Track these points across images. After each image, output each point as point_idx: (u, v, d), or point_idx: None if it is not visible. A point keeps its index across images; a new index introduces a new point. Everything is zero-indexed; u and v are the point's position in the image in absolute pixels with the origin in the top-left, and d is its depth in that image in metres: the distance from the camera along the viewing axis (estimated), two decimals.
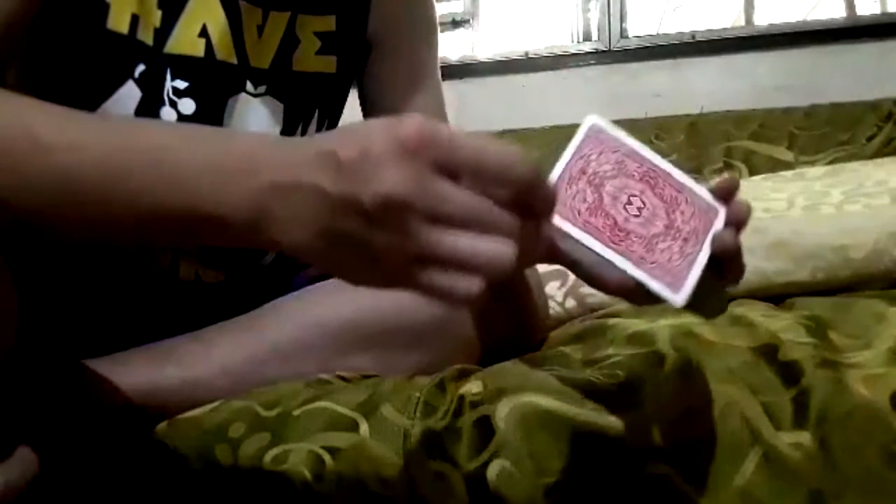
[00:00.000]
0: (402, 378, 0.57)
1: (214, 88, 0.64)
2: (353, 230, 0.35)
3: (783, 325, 0.57)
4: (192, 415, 0.56)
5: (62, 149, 0.40)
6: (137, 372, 0.58)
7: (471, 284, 0.34)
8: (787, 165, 1.41)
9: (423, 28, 0.78)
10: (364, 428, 0.51)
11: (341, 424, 0.52)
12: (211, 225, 0.38)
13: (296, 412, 0.54)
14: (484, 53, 2.04)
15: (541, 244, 0.36)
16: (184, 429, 0.55)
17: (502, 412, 0.49)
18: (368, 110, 0.79)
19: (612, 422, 0.48)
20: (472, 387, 0.53)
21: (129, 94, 0.60)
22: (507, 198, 0.35)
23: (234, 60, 0.64)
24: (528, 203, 0.36)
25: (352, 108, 0.79)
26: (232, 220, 0.37)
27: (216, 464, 0.52)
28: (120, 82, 0.60)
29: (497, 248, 0.34)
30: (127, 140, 0.41)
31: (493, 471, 0.48)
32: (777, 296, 0.77)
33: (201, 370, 0.59)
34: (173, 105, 0.62)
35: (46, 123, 0.42)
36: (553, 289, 0.87)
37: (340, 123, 0.79)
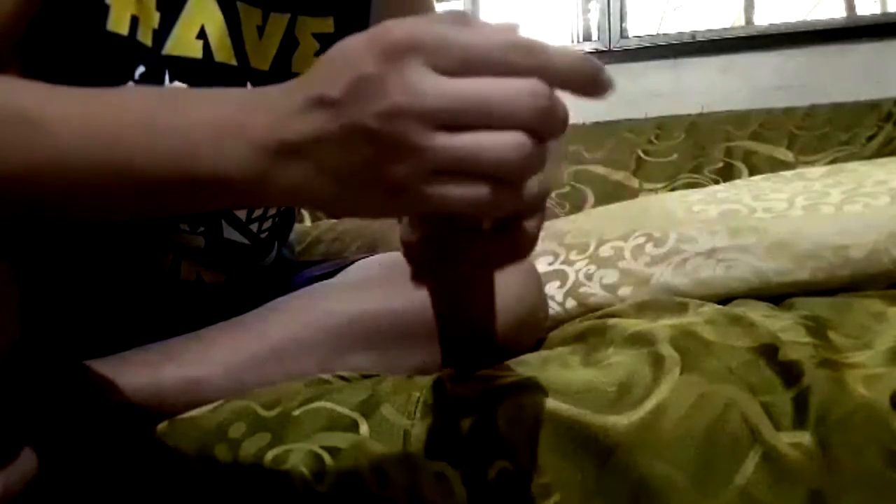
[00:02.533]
0: (402, 378, 0.57)
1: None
2: (364, 160, 0.33)
3: (783, 325, 0.57)
4: (192, 414, 0.56)
5: (51, 122, 0.39)
6: (138, 371, 0.58)
7: (479, 193, 0.32)
8: (787, 165, 1.41)
9: None
10: (364, 428, 0.51)
11: (341, 424, 0.52)
12: (213, 187, 0.36)
13: (296, 412, 0.54)
14: None
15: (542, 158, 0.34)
16: (184, 428, 0.55)
17: (502, 412, 0.49)
18: None
19: (612, 422, 0.48)
20: (472, 387, 0.53)
21: None
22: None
23: (234, 62, 0.64)
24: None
25: None
26: (234, 179, 0.36)
27: (216, 464, 0.52)
28: (120, 83, 0.60)
29: (505, 143, 0.31)
30: (116, 105, 0.40)
31: (493, 471, 0.48)
32: (777, 296, 0.77)
33: (202, 370, 0.59)
34: None
35: (33, 98, 0.41)
36: (553, 289, 0.87)
37: None
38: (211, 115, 0.37)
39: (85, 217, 0.44)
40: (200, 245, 0.67)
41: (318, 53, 0.70)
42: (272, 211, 0.71)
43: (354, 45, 0.33)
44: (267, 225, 0.71)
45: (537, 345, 0.69)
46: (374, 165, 0.33)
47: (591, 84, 0.35)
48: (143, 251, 0.66)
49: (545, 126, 0.32)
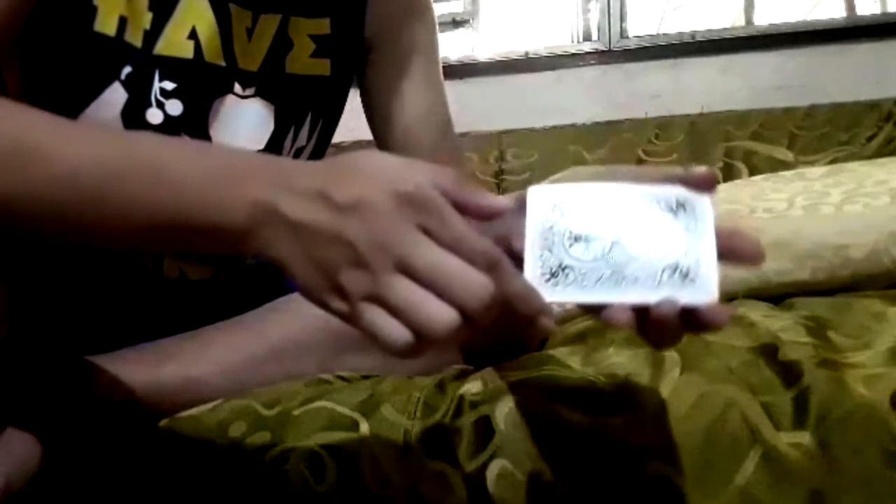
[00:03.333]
0: (402, 378, 0.57)
1: (202, 90, 0.64)
2: (330, 260, 0.37)
3: (783, 325, 0.57)
4: (193, 413, 0.56)
5: (63, 158, 0.41)
6: (138, 370, 0.58)
7: (401, 335, 0.36)
8: (787, 165, 1.41)
9: (423, 27, 0.78)
10: (364, 428, 0.51)
11: (341, 424, 0.52)
12: (204, 232, 0.40)
13: (296, 412, 0.54)
14: (484, 53, 2.04)
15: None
16: (184, 427, 0.55)
17: (502, 412, 0.49)
18: (370, 111, 0.79)
19: (612, 422, 0.48)
20: (472, 387, 0.53)
21: (116, 95, 0.61)
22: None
23: (222, 63, 0.64)
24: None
25: (352, 107, 0.79)
26: (225, 228, 0.39)
27: (216, 463, 0.52)
28: (106, 83, 0.60)
29: (441, 313, 0.36)
30: (126, 150, 0.42)
31: (492, 471, 0.48)
32: (777, 296, 0.77)
33: (202, 369, 0.59)
34: (160, 106, 0.62)
35: (48, 133, 0.43)
36: None
37: (342, 123, 0.79)
38: (216, 171, 0.40)
39: (75, 243, 0.46)
40: None
41: (314, 55, 0.70)
42: None
43: (374, 168, 0.39)
44: None
45: (538, 345, 0.69)
46: (335, 267, 0.37)
47: (526, 319, 0.39)
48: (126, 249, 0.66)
49: (479, 314, 0.36)
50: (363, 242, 0.36)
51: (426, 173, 0.38)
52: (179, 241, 0.43)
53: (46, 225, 0.43)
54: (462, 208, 0.39)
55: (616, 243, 0.40)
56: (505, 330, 0.40)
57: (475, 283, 0.36)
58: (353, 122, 0.83)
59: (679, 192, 0.41)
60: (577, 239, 0.41)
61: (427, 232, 0.37)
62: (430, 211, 0.37)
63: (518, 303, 0.39)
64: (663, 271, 0.39)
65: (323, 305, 0.39)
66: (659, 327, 0.39)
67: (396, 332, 0.36)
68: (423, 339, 0.36)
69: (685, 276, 0.39)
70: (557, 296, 0.40)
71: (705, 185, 0.42)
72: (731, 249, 0.40)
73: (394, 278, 0.36)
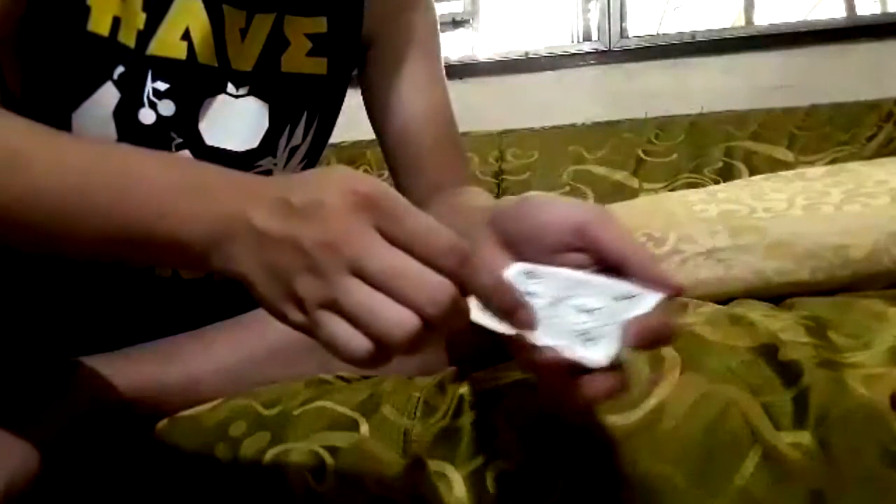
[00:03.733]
0: (402, 378, 0.57)
1: (194, 90, 0.64)
2: (286, 267, 0.36)
3: (783, 325, 0.57)
4: (193, 413, 0.56)
5: (41, 165, 0.42)
6: (139, 370, 0.58)
7: (360, 344, 0.35)
8: (787, 165, 1.41)
9: (422, 25, 0.78)
10: (364, 428, 0.51)
11: (341, 424, 0.52)
12: (170, 247, 0.40)
13: (296, 411, 0.54)
14: (484, 53, 2.04)
15: (461, 321, 0.37)
16: (184, 427, 0.55)
17: (502, 412, 0.49)
18: (370, 107, 0.78)
19: (612, 422, 0.48)
20: (472, 387, 0.53)
21: (108, 95, 0.61)
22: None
23: (215, 63, 0.64)
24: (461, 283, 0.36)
25: (351, 106, 0.79)
26: (190, 243, 0.39)
27: (216, 462, 0.52)
28: (98, 83, 0.60)
29: (400, 318, 0.35)
30: (103, 160, 0.43)
31: (492, 471, 0.48)
32: (777, 296, 0.77)
33: (202, 369, 0.59)
34: (153, 106, 0.62)
35: (28, 139, 0.44)
36: None
37: (340, 122, 0.79)
38: (181, 178, 0.40)
39: (41, 251, 0.47)
40: None
41: (310, 53, 0.70)
42: None
43: (332, 177, 0.38)
44: None
45: None
46: (291, 275, 0.36)
47: (505, 313, 0.39)
48: None
49: (439, 319, 0.35)
50: (316, 246, 0.36)
51: (372, 179, 0.38)
52: (144, 255, 0.43)
53: (16, 232, 0.44)
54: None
55: (554, 302, 0.42)
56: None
57: (432, 286, 0.35)
58: (352, 121, 0.83)
59: (634, 289, 0.42)
60: (528, 293, 0.42)
61: (384, 234, 0.36)
62: (386, 211, 0.36)
63: (491, 298, 0.38)
64: (575, 331, 0.40)
65: (282, 317, 0.38)
66: (544, 373, 0.41)
67: (354, 340, 0.35)
68: (384, 348, 0.35)
69: (589, 338, 0.40)
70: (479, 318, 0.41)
71: (666, 291, 0.41)
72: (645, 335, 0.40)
73: (349, 282, 0.35)
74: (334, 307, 0.35)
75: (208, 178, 0.41)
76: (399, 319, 0.35)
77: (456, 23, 2.11)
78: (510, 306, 0.39)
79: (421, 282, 0.35)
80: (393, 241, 0.36)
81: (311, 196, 0.36)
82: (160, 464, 0.54)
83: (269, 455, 0.51)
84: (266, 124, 0.68)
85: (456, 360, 0.61)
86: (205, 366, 0.59)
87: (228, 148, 0.66)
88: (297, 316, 0.37)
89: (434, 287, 0.35)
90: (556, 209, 0.46)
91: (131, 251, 0.42)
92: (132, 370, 0.58)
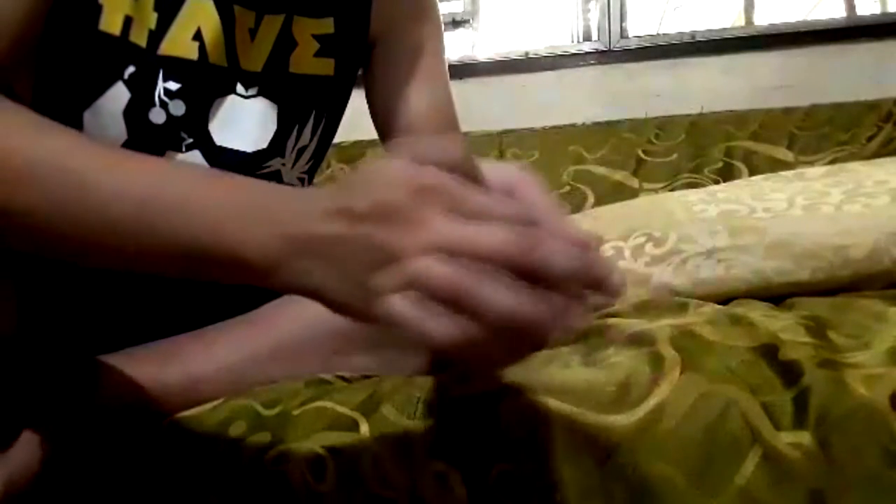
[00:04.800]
0: (403, 378, 0.57)
1: (205, 91, 0.64)
2: (363, 265, 0.37)
3: (783, 325, 0.57)
4: (193, 413, 0.56)
5: (105, 189, 0.42)
6: (142, 369, 0.58)
7: (447, 326, 0.34)
8: (787, 165, 1.41)
9: (427, 26, 0.78)
10: (364, 428, 0.51)
11: (341, 424, 0.52)
12: (230, 265, 0.40)
13: (296, 411, 0.54)
14: (484, 53, 2.04)
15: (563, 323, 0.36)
16: (184, 426, 0.55)
17: (502, 412, 0.49)
18: (374, 109, 0.79)
19: (612, 422, 0.48)
20: (472, 387, 0.53)
21: (119, 94, 0.61)
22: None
23: (225, 63, 0.64)
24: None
25: (354, 108, 0.79)
26: (250, 262, 0.39)
27: (216, 462, 0.52)
28: (109, 83, 0.60)
29: (496, 287, 0.34)
30: (167, 182, 0.43)
31: (493, 471, 0.48)
32: (777, 296, 0.77)
33: (203, 368, 0.59)
34: (164, 106, 0.62)
35: (92, 161, 0.44)
36: None
37: (341, 123, 0.79)
38: (243, 199, 0.41)
39: (103, 266, 0.47)
40: None
41: (317, 54, 0.70)
42: None
43: (391, 174, 0.38)
44: None
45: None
46: (371, 273, 0.36)
47: (594, 280, 0.37)
48: None
49: (546, 265, 0.35)
50: (392, 237, 0.36)
51: (433, 153, 0.38)
52: (205, 274, 0.43)
53: (82, 250, 0.44)
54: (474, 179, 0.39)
55: None
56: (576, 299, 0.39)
57: (522, 235, 0.35)
58: (353, 122, 0.83)
59: None
60: None
61: (451, 212, 0.36)
62: (452, 195, 0.36)
63: (575, 265, 0.36)
64: None
65: (369, 318, 0.38)
66: None
67: (443, 325, 0.34)
68: (481, 318, 0.34)
69: None
70: None
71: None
72: None
73: (430, 261, 0.35)
74: (421, 286, 0.35)
75: (267, 199, 0.41)
76: (499, 287, 0.34)
77: (456, 23, 2.11)
78: (600, 275, 0.37)
79: (509, 234, 0.35)
80: (463, 216, 0.36)
81: (374, 199, 0.37)
82: (160, 464, 0.54)
83: (269, 455, 0.51)
84: (275, 125, 0.68)
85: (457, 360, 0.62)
86: (206, 366, 0.59)
87: (238, 148, 0.67)
88: (372, 308, 0.37)
89: (523, 235, 0.35)
90: (490, 171, 0.45)
91: (192, 271, 0.43)
92: (133, 370, 0.58)
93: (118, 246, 0.42)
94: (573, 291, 0.36)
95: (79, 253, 0.45)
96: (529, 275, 0.35)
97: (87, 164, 0.43)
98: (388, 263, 0.36)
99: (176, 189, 0.42)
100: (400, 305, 0.35)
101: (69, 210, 0.42)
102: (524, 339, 0.36)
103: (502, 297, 0.34)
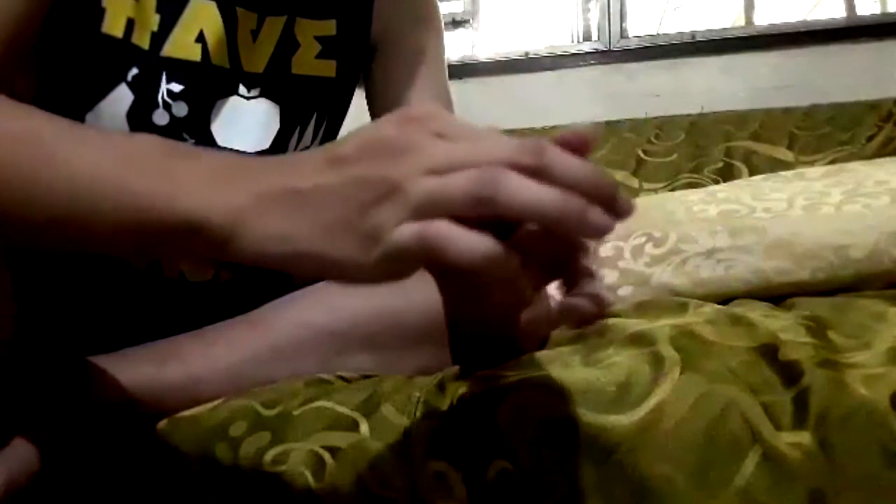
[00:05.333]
0: (403, 378, 0.57)
1: (207, 92, 0.64)
2: (354, 206, 0.33)
3: (783, 325, 0.57)
4: (193, 413, 0.56)
5: (74, 163, 0.40)
6: (140, 369, 0.58)
7: (473, 237, 0.31)
8: (787, 165, 1.41)
9: (428, 29, 0.78)
10: (364, 428, 0.51)
11: (341, 424, 0.52)
12: (185, 231, 0.37)
13: (296, 411, 0.54)
14: (484, 53, 2.04)
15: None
16: (184, 427, 0.55)
17: (502, 412, 0.49)
18: (375, 113, 0.79)
19: (612, 422, 0.48)
20: (472, 387, 0.53)
21: (122, 96, 0.61)
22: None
23: (227, 65, 0.65)
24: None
25: (356, 110, 0.79)
26: (209, 223, 0.36)
27: (216, 462, 0.52)
28: (112, 85, 0.60)
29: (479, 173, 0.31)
30: (126, 141, 0.42)
31: (493, 471, 0.48)
32: (777, 296, 0.77)
33: (203, 368, 0.59)
34: (167, 108, 0.62)
35: (50, 123, 0.43)
36: (553, 288, 0.87)
37: (343, 128, 0.79)
38: (208, 161, 0.38)
39: (60, 248, 0.45)
40: None
41: (319, 55, 0.70)
42: None
43: (381, 120, 0.35)
44: None
45: (540, 344, 0.69)
46: (360, 210, 0.33)
47: (603, 201, 0.34)
48: None
49: (538, 162, 0.32)
50: (384, 170, 0.33)
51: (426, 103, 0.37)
52: (155, 242, 0.40)
53: (46, 231, 0.42)
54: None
55: None
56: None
57: (528, 142, 0.32)
58: (359, 123, 0.83)
59: None
60: None
61: (445, 137, 0.34)
62: (439, 118, 0.34)
63: (583, 185, 0.33)
64: None
65: (368, 268, 0.34)
66: None
67: (466, 235, 0.31)
68: (502, 212, 0.31)
69: None
70: None
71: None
72: None
73: (421, 181, 0.32)
74: (428, 210, 0.32)
75: (237, 160, 0.39)
76: (478, 175, 0.31)
77: (456, 23, 2.11)
78: (609, 191, 0.34)
79: (511, 142, 0.32)
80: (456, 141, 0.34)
81: (360, 139, 0.34)
82: (160, 464, 0.54)
83: (269, 455, 0.51)
84: (277, 125, 0.69)
85: (457, 360, 0.62)
86: (205, 365, 0.59)
87: (240, 149, 0.67)
88: (367, 252, 0.33)
89: (529, 141, 0.32)
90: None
91: (144, 238, 0.40)
92: (132, 370, 0.58)
93: (70, 208, 0.40)
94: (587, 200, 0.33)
95: (36, 230, 0.43)
96: (539, 180, 0.32)
97: (42, 125, 0.42)
98: (387, 197, 0.33)
99: (141, 159, 0.40)
100: (414, 232, 0.32)
101: (39, 185, 0.40)
102: (556, 245, 0.35)
103: (528, 190, 0.31)
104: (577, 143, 0.35)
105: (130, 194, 0.38)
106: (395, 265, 0.34)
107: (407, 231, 0.32)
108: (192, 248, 0.38)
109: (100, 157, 0.41)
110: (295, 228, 0.35)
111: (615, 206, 0.35)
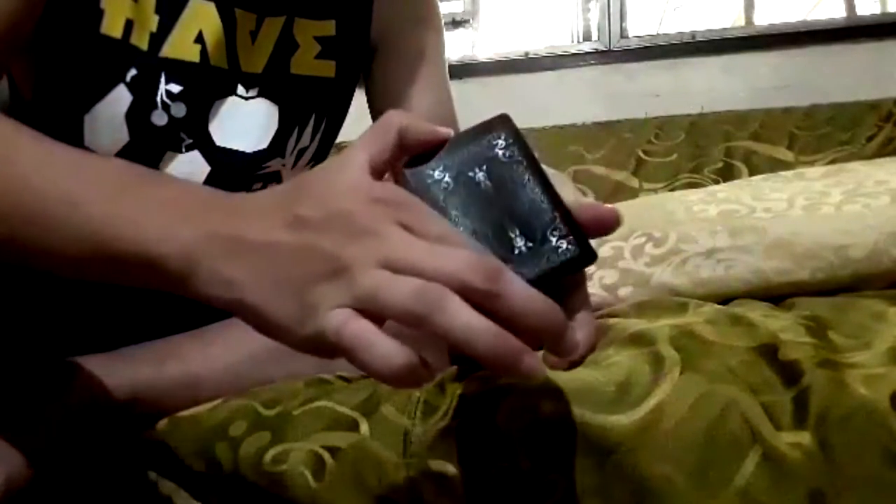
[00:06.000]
0: None
1: (206, 93, 0.64)
2: (305, 273, 0.33)
3: (783, 325, 0.57)
4: (192, 413, 0.56)
5: (29, 159, 0.41)
6: (139, 369, 0.58)
7: (393, 348, 0.31)
8: (787, 165, 1.41)
9: (428, 28, 0.78)
10: (364, 428, 0.51)
11: (341, 424, 0.52)
12: (147, 265, 0.37)
13: (296, 411, 0.54)
14: (484, 53, 2.04)
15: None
16: (184, 427, 0.55)
17: (502, 412, 0.49)
18: (374, 112, 0.79)
19: (612, 422, 0.48)
20: (472, 387, 0.53)
21: (120, 97, 0.61)
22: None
23: (226, 65, 0.65)
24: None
25: (356, 111, 0.79)
26: (167, 262, 0.36)
27: (216, 462, 0.52)
28: (111, 86, 0.60)
29: (442, 294, 0.31)
30: (90, 164, 0.41)
31: (493, 471, 0.48)
32: (777, 296, 0.77)
33: (202, 368, 0.59)
34: (166, 108, 0.62)
35: (17, 135, 0.43)
36: None
37: (345, 124, 0.79)
38: (172, 195, 0.38)
39: (22, 263, 0.45)
40: None
41: (318, 56, 0.70)
42: None
43: (347, 182, 0.35)
44: None
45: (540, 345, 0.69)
46: (306, 279, 0.33)
47: (549, 336, 0.34)
48: None
49: (490, 287, 0.32)
50: (340, 248, 0.33)
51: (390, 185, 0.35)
52: (118, 272, 0.40)
53: (10, 245, 0.42)
54: (425, 143, 0.37)
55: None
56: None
57: (485, 258, 0.32)
58: (358, 123, 0.83)
59: None
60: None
61: (409, 230, 0.33)
62: (410, 210, 0.34)
63: (528, 316, 0.33)
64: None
65: (298, 338, 0.34)
66: None
67: (387, 345, 0.31)
68: (428, 329, 0.31)
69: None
70: None
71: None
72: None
73: (374, 275, 0.32)
74: (366, 305, 0.32)
75: (200, 197, 0.38)
76: (441, 294, 0.30)
77: (456, 23, 2.11)
78: (556, 331, 0.34)
79: (469, 256, 0.32)
80: (418, 236, 0.33)
81: (324, 205, 0.34)
82: (160, 463, 0.54)
83: (269, 455, 0.51)
84: (275, 125, 0.68)
85: (457, 360, 0.62)
86: (204, 365, 0.59)
87: (238, 148, 0.67)
88: (303, 325, 0.33)
89: (486, 258, 0.32)
90: None
91: (113, 273, 0.40)
92: (131, 370, 0.58)
93: (31, 226, 0.40)
94: (529, 337, 0.33)
95: (10, 249, 0.43)
96: (486, 307, 0.32)
97: (9, 136, 0.42)
98: (335, 276, 0.32)
99: (104, 185, 0.40)
100: (340, 323, 0.32)
101: (4, 204, 0.40)
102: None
103: (463, 319, 0.31)
104: (605, 220, 0.36)
105: (90, 222, 0.38)
106: (320, 345, 0.34)
107: (335, 319, 0.32)
108: (152, 282, 0.38)
109: (67, 181, 0.40)
110: (242, 277, 0.34)
111: (560, 346, 0.35)
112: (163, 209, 0.37)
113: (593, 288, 0.85)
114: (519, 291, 0.32)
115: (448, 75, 0.80)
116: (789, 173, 1.15)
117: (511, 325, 0.32)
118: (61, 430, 0.54)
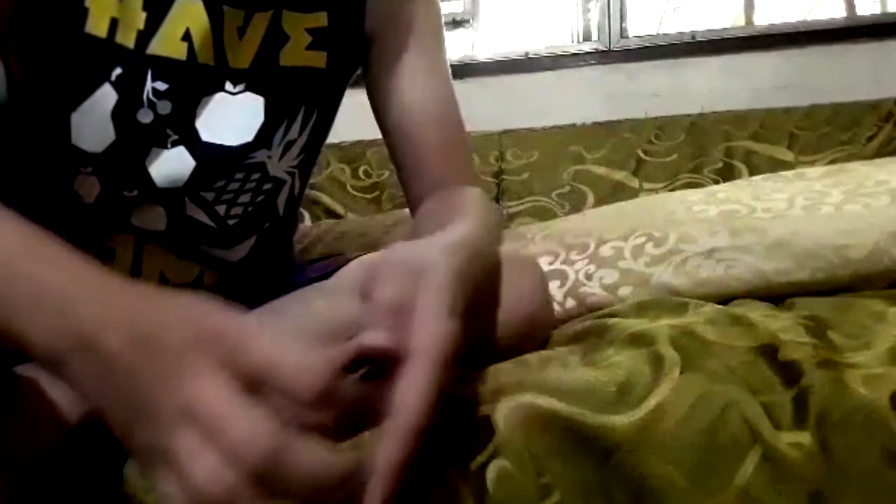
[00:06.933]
0: None
1: (193, 90, 0.64)
2: (125, 402, 0.35)
3: (783, 325, 0.57)
4: None
5: None
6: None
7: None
8: (787, 165, 1.41)
9: (425, 20, 0.77)
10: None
11: None
12: (23, 348, 0.38)
13: None
14: (484, 53, 2.04)
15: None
16: None
17: (502, 412, 0.49)
18: (375, 105, 0.78)
19: (612, 422, 0.48)
20: (472, 387, 0.53)
21: (106, 96, 0.61)
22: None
23: (213, 63, 0.64)
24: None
25: (357, 110, 0.79)
26: (36, 349, 0.37)
27: None
28: (96, 85, 0.60)
29: (210, 473, 0.31)
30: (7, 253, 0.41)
31: (492, 471, 0.48)
32: (777, 296, 0.77)
33: None
34: (151, 106, 0.62)
35: None
36: (553, 289, 0.87)
37: (344, 123, 0.78)
38: (55, 281, 0.38)
39: None
40: (161, 228, 0.66)
41: (309, 47, 0.70)
42: (244, 198, 0.70)
43: (181, 313, 0.36)
44: (236, 211, 0.70)
45: (540, 345, 0.69)
46: (131, 403, 0.34)
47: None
48: (100, 242, 0.65)
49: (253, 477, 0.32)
50: (152, 383, 0.34)
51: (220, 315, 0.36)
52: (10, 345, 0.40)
53: None
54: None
55: None
56: None
57: (247, 437, 0.32)
58: (355, 122, 0.83)
59: None
60: None
61: (231, 369, 0.34)
62: (229, 345, 0.34)
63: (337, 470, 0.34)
64: None
65: (129, 450, 0.36)
66: None
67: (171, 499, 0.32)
68: None
69: None
70: None
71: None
72: None
73: (174, 430, 0.33)
74: (161, 456, 0.33)
75: (77, 290, 0.38)
76: (209, 474, 0.31)
77: (456, 23, 2.11)
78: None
79: (239, 432, 0.32)
80: (240, 375, 0.34)
81: (156, 331, 0.35)
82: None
83: None
84: (261, 118, 0.68)
85: (456, 360, 0.61)
86: None
87: (224, 143, 0.66)
88: (135, 454, 0.35)
89: (249, 439, 0.32)
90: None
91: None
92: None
93: None
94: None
95: None
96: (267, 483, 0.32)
97: None
98: (146, 411, 0.34)
99: (18, 267, 0.39)
100: (148, 470, 0.34)
101: None
102: None
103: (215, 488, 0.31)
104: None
105: None
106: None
107: (143, 463, 0.35)
108: (35, 360, 0.39)
109: None
110: (97, 383, 0.36)
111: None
112: (39, 294, 0.38)
113: (594, 288, 0.85)
114: (301, 474, 0.33)
115: (450, 69, 0.80)
116: (789, 173, 1.15)
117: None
118: (60, 431, 0.54)
